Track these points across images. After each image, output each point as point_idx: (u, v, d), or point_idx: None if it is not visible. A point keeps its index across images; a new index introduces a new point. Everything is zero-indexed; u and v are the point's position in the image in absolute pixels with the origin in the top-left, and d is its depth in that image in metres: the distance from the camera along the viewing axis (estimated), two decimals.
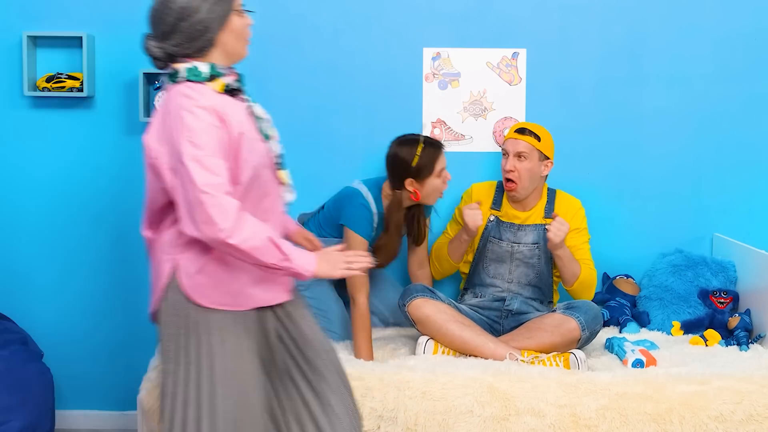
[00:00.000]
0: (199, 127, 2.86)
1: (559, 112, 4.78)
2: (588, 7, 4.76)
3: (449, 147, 4.70)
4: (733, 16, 4.77)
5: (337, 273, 3.07)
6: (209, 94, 2.96)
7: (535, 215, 4.46)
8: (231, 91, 3.05)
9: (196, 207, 2.81)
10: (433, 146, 4.26)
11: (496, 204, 4.51)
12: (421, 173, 4.22)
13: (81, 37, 4.62)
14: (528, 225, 4.45)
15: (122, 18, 4.69)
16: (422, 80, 4.78)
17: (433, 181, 4.25)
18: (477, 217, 4.27)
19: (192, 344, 2.98)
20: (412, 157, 4.21)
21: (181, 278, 2.98)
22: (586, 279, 4.33)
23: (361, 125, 4.74)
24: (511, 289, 4.43)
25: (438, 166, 4.24)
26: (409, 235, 4.52)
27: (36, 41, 4.68)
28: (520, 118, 4.78)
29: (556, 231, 4.16)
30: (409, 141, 4.27)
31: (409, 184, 4.24)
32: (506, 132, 4.64)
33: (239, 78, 3.11)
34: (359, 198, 4.27)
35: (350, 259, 3.12)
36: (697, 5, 4.77)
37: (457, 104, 4.78)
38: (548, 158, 4.40)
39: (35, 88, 4.67)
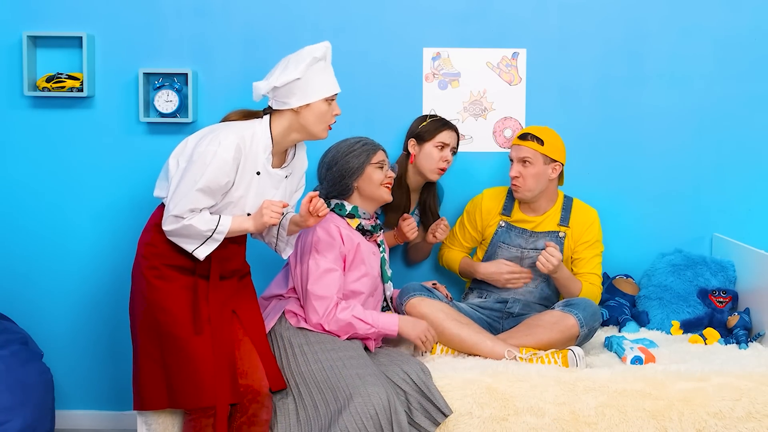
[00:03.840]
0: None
1: (559, 112, 4.78)
2: (588, 7, 4.76)
3: None
4: (733, 16, 4.77)
5: (417, 342, 3.97)
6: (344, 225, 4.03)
7: (547, 221, 4.45)
8: (363, 231, 4.07)
9: (306, 300, 3.92)
10: (443, 121, 4.53)
11: (507, 210, 4.50)
12: (423, 137, 4.48)
13: (81, 37, 4.62)
14: (540, 232, 4.44)
15: (122, 18, 4.70)
16: (422, 80, 4.78)
17: (429, 149, 4.46)
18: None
19: None
20: (422, 121, 4.53)
21: None
22: (586, 296, 4.32)
23: (361, 125, 4.74)
24: (517, 292, 4.42)
25: (439, 137, 4.46)
26: (423, 216, 4.66)
27: (36, 41, 4.69)
28: (520, 118, 4.78)
29: (544, 262, 4.17)
30: (427, 114, 4.62)
31: (412, 145, 4.52)
32: (509, 132, 4.66)
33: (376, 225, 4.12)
34: None
35: (428, 337, 3.98)
36: (697, 5, 4.77)
37: (457, 104, 4.79)
38: (555, 161, 4.38)
39: (35, 88, 4.67)
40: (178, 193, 3.55)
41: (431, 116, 4.53)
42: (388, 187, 4.09)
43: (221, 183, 3.56)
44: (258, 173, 3.65)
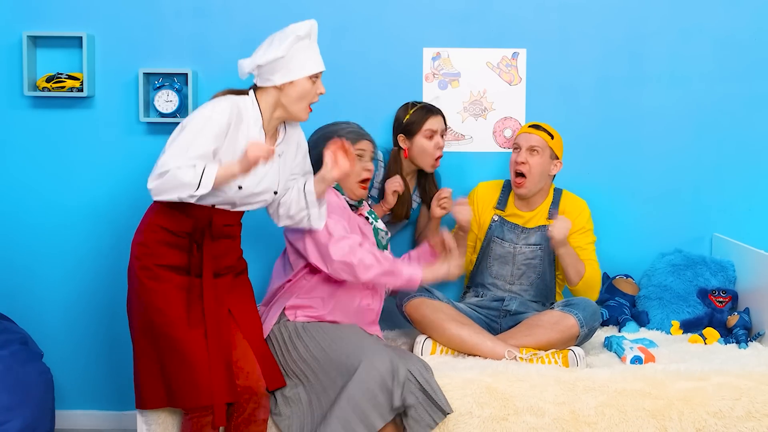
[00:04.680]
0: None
1: (559, 112, 4.78)
2: (588, 7, 4.77)
3: (449, 147, 4.71)
4: (733, 16, 4.77)
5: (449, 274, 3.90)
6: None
7: (538, 216, 4.46)
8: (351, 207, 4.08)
9: (329, 243, 3.80)
10: (426, 108, 4.52)
11: (501, 204, 4.50)
12: (411, 130, 4.47)
13: (81, 37, 4.63)
14: (531, 228, 4.44)
15: (122, 18, 4.70)
16: (422, 80, 4.78)
17: (420, 140, 4.46)
18: (465, 211, 4.28)
19: None
20: (405, 114, 4.50)
21: None
22: (590, 279, 4.33)
23: (360, 124, 4.72)
24: (512, 290, 4.43)
25: (426, 126, 4.46)
26: (423, 201, 4.66)
27: (36, 41, 4.69)
28: (520, 118, 4.78)
29: (559, 227, 4.17)
30: (408, 103, 4.57)
31: (402, 140, 4.51)
32: (509, 132, 4.66)
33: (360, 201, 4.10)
34: None
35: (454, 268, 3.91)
36: (697, 5, 4.77)
37: (457, 104, 4.79)
38: (558, 158, 4.41)
39: (35, 88, 4.67)
40: (168, 154, 3.47)
41: (413, 105, 4.53)
42: (363, 186, 4.04)
43: (211, 148, 3.50)
44: None
